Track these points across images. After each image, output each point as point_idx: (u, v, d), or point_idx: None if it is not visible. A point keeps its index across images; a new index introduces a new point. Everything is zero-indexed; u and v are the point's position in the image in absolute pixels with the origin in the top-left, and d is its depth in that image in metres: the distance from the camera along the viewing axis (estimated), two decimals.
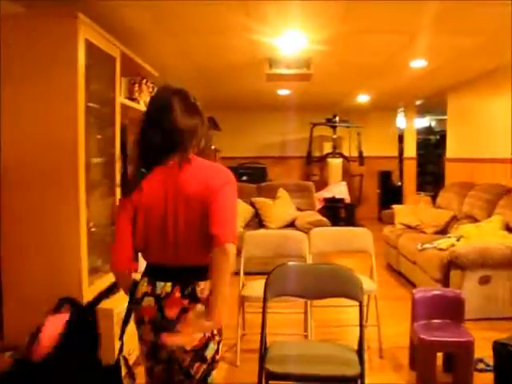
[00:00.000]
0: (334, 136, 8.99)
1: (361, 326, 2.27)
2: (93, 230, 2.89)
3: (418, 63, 5.14)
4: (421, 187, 9.93)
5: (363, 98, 7.90)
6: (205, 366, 1.70)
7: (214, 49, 4.59)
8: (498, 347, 1.99)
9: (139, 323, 1.74)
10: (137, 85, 3.98)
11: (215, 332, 1.69)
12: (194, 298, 1.65)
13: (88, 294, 2.69)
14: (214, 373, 1.75)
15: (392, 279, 5.39)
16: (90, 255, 2.77)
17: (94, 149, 2.98)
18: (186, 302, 1.65)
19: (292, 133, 9.46)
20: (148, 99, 4.26)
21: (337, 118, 8.81)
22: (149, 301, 1.69)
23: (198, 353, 1.67)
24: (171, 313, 1.65)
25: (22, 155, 2.62)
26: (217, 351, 1.71)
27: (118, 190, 3.06)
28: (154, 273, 1.73)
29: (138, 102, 3.98)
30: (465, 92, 6.52)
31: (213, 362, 1.71)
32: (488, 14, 3.45)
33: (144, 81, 4.18)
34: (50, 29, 2.54)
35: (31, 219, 2.63)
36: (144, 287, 1.71)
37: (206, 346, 1.67)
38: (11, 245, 2.64)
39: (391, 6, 3.28)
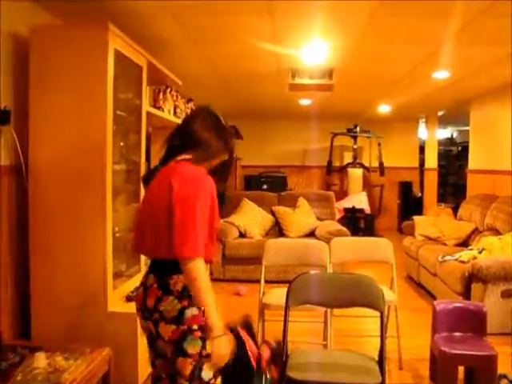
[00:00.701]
0: (355, 146, 8.99)
1: (382, 335, 2.27)
2: (117, 235, 2.95)
3: (441, 74, 5.13)
4: (442, 198, 9.86)
5: (384, 109, 7.89)
6: (191, 361, 1.73)
7: (238, 58, 4.65)
8: None
9: (136, 311, 1.90)
10: (161, 93, 4.06)
11: (195, 327, 1.73)
12: (167, 290, 1.75)
13: (112, 298, 2.75)
14: (207, 368, 1.76)
15: (412, 291, 5.35)
16: (115, 259, 2.83)
17: (117, 155, 3.05)
18: (159, 292, 1.76)
19: (313, 142, 9.49)
20: (172, 107, 4.37)
21: (357, 128, 8.81)
22: (140, 290, 1.87)
23: (177, 345, 1.73)
24: (149, 302, 1.77)
25: (53, 161, 2.70)
26: (203, 347, 1.74)
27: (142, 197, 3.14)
28: (149, 264, 1.91)
29: (163, 110, 4.06)
30: (487, 103, 6.47)
31: (200, 357, 1.74)
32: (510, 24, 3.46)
33: (168, 89, 4.26)
34: (82, 39, 2.63)
35: (59, 223, 2.70)
36: (142, 277, 1.90)
37: (182, 338, 1.72)
38: (39, 247, 2.72)
39: (414, 17, 3.30)
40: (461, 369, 2.99)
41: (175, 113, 4.54)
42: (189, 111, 5.04)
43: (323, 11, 3.22)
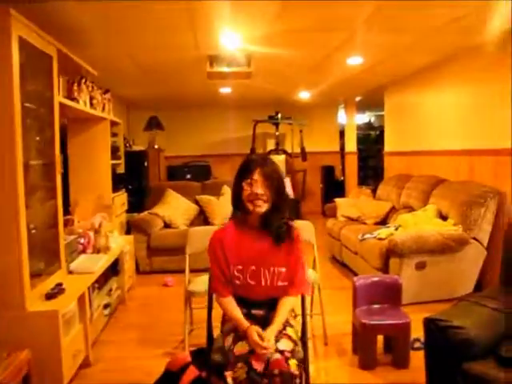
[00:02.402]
0: (277, 133, 9.14)
1: (303, 314, 2.36)
2: (34, 231, 2.84)
3: (355, 60, 5.31)
4: (363, 181, 10.26)
5: (304, 95, 8.07)
6: None
7: (155, 48, 4.58)
8: (427, 322, 2.13)
9: None
10: (76, 84, 3.92)
11: None
12: None
13: (30, 298, 2.65)
14: None
15: (336, 270, 5.57)
16: (32, 258, 2.72)
17: (33, 151, 2.93)
18: None
19: (235, 130, 9.54)
20: (88, 99, 4.24)
21: (279, 115, 8.95)
22: None
23: None
24: None
25: None
26: None
27: (59, 192, 3.04)
28: None
29: (78, 102, 3.93)
30: (400, 88, 6.80)
31: None
32: (419, 14, 3.65)
33: (83, 80, 4.13)
34: None
35: None
36: None
37: None
38: None
39: (327, 4, 3.38)
40: (380, 338, 3.18)
41: (92, 104, 4.42)
42: (106, 102, 4.92)
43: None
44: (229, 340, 2.05)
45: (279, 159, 9.00)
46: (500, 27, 3.86)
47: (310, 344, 3.14)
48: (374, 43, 4.59)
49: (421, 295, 4.16)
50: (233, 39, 4.18)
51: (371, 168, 11.37)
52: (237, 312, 2.10)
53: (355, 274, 4.99)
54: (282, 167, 8.96)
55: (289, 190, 8.57)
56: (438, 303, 3.92)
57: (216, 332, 2.37)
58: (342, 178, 9.89)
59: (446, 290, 4.18)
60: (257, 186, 2.08)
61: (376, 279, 3.31)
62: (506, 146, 4.12)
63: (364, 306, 3.20)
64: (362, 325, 3.02)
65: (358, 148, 9.66)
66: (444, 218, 4.53)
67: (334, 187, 9.63)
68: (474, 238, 4.20)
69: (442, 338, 2.06)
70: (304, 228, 3.67)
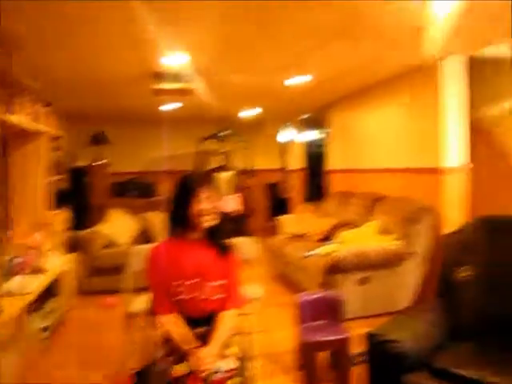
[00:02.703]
0: (223, 150, 9.16)
1: (246, 331, 2.36)
2: None
3: (299, 79, 5.42)
4: (310, 197, 10.38)
5: (251, 112, 8.15)
6: None
7: (100, 63, 4.51)
8: (368, 337, 2.19)
9: None
10: (15, 97, 3.80)
11: None
12: None
13: None
14: None
15: (281, 287, 5.58)
16: None
17: None
18: None
19: (182, 147, 9.47)
20: (28, 112, 4.11)
21: (226, 132, 8.99)
22: None
23: None
24: None
25: None
26: None
27: None
28: None
29: (16, 115, 3.80)
30: (343, 107, 7.00)
31: None
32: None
33: (23, 93, 4.01)
34: None
35: None
36: None
37: None
38: None
39: (272, 19, 3.40)
40: (325, 354, 3.21)
41: (32, 118, 4.28)
42: (46, 115, 4.78)
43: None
44: (169, 361, 2.02)
45: (227, 176, 9.03)
46: (428, 53, 4.07)
47: (254, 362, 3.13)
48: (320, 63, 4.70)
49: (365, 309, 4.25)
50: (177, 56, 4.18)
51: (317, 185, 11.54)
52: (180, 331, 2.07)
53: (301, 291, 5.02)
54: (229, 184, 8.99)
55: (238, 206, 8.59)
56: (381, 317, 3.99)
57: (159, 352, 2.32)
58: (288, 195, 10.00)
59: (389, 303, 4.29)
60: (207, 201, 2.15)
61: (318, 296, 3.36)
62: (436, 166, 4.38)
63: (307, 323, 3.23)
64: (303, 342, 3.06)
65: (305, 165, 9.82)
66: (385, 233, 4.67)
67: (280, 204, 9.71)
68: (414, 253, 4.35)
69: (380, 351, 2.11)
70: (248, 244, 3.70)
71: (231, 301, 2.19)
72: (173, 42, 3.78)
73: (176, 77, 4.67)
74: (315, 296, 3.35)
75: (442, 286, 2.61)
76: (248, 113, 8.14)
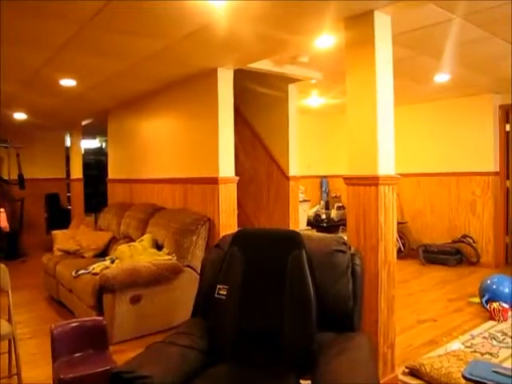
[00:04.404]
0: None
1: None
2: None
3: (68, 82, 4.96)
4: (95, 208, 9.77)
5: (20, 116, 7.26)
6: None
7: None
8: (112, 376, 1.90)
9: None
10: None
11: None
12: None
13: None
14: None
15: (52, 311, 4.99)
16: None
17: None
18: None
19: None
20: None
21: None
22: None
23: None
24: None
25: None
26: None
27: None
28: None
29: None
30: (121, 114, 6.67)
31: None
32: (132, 41, 3.58)
33: None
34: None
35: None
36: None
37: None
38: None
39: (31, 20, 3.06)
40: None
41: None
42: None
43: None
44: None
45: None
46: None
47: None
48: (85, 66, 4.35)
49: (139, 329, 4.00)
50: None
51: (102, 195, 10.97)
52: None
53: (73, 315, 4.56)
54: None
55: (4, 222, 7.55)
56: (157, 335, 3.79)
57: None
58: (69, 207, 9.25)
59: (165, 320, 4.10)
60: None
61: (75, 324, 2.96)
62: (213, 175, 4.38)
63: (65, 357, 2.83)
64: (60, 381, 2.65)
65: (89, 174, 9.22)
66: (160, 247, 4.49)
67: (60, 217, 8.92)
68: (188, 266, 4.25)
69: None
70: None
71: None
72: None
73: None
74: (72, 325, 2.95)
75: (199, 305, 2.50)
76: (17, 116, 7.23)
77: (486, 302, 4.44)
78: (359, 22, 2.93)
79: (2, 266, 3.20)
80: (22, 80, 4.88)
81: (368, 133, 2.91)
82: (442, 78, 5.45)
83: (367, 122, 2.91)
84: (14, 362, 3.11)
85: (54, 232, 5.77)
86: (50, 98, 5.96)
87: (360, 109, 2.96)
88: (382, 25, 2.91)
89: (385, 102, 2.91)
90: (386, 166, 2.93)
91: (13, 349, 3.06)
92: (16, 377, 3.03)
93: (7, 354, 3.21)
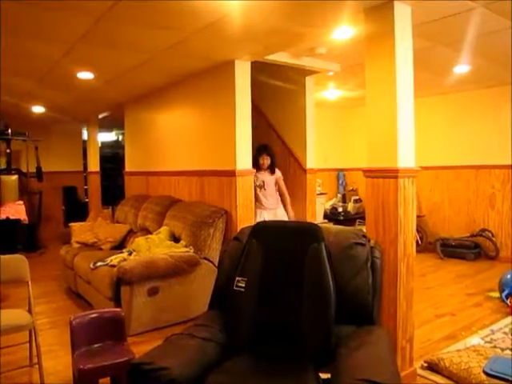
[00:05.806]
0: (8, 150, 8.11)
1: None
2: None
3: (85, 75, 4.98)
4: (113, 201, 9.84)
5: (38, 109, 7.33)
6: None
7: None
8: (131, 368, 1.91)
9: None
10: None
11: None
12: None
13: None
14: None
15: (71, 303, 5.05)
16: None
17: None
18: None
19: None
20: None
21: (9, 131, 7.95)
22: None
23: None
24: None
25: None
26: None
27: None
28: None
29: None
30: (138, 107, 6.68)
31: None
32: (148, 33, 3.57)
33: None
34: None
35: None
36: None
37: None
38: None
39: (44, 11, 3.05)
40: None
41: None
42: None
43: None
44: None
45: (11, 180, 8.01)
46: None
47: None
48: (103, 59, 4.36)
49: (156, 321, 4.02)
50: None
51: (119, 188, 11.04)
52: None
53: (91, 306, 4.60)
54: (15, 189, 8.01)
55: (23, 215, 7.65)
56: (174, 327, 3.82)
57: None
58: (87, 199, 9.32)
59: (182, 312, 4.11)
60: None
61: (94, 315, 2.99)
62: (230, 168, 4.36)
63: (83, 348, 2.86)
64: (80, 371, 2.68)
65: (106, 167, 9.27)
66: (177, 239, 4.50)
67: (77, 209, 8.99)
68: (205, 258, 4.26)
69: (147, 382, 1.88)
70: (14, 264, 3.19)
71: None
72: None
73: None
74: (91, 316, 2.98)
75: (216, 298, 2.50)
76: (36, 109, 7.29)
77: (506, 296, 4.38)
78: (379, 13, 2.89)
79: (22, 257, 3.24)
80: (40, 73, 4.91)
81: (388, 125, 2.87)
82: (461, 69, 5.37)
83: (387, 113, 2.87)
84: (34, 352, 3.14)
85: (72, 224, 5.82)
86: (68, 92, 6.00)
87: (380, 101, 2.93)
88: (402, 15, 2.86)
89: (405, 94, 2.87)
90: (406, 158, 2.89)
91: (33, 339, 3.10)
92: (37, 366, 3.06)
93: (28, 344, 3.25)
